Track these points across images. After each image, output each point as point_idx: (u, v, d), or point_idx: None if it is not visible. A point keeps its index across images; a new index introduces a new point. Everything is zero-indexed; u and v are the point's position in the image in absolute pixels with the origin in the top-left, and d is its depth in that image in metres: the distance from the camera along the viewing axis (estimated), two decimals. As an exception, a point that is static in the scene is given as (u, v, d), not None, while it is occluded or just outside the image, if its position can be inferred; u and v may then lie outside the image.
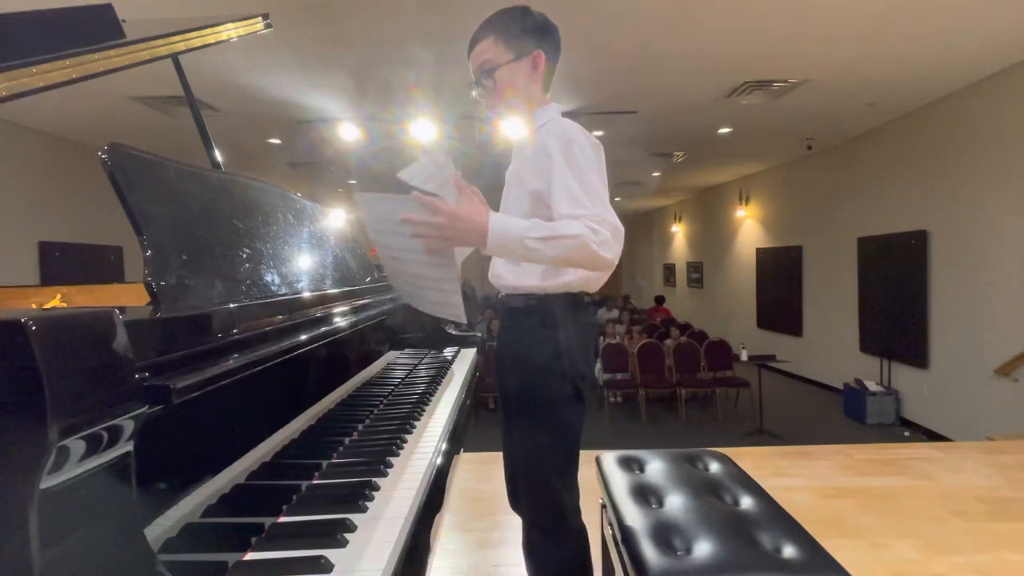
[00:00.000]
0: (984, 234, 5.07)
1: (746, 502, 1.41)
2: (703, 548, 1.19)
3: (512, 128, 1.41)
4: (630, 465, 1.67)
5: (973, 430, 5.05)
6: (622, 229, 1.17)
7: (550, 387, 1.27)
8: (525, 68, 1.31)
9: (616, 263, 1.18)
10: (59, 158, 5.99)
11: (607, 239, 1.13)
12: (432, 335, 2.24)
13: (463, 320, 1.40)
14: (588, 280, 1.32)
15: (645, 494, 1.48)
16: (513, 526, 1.83)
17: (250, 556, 0.70)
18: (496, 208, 1.31)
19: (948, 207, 5.49)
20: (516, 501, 1.43)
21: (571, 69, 4.66)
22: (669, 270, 14.60)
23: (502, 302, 1.41)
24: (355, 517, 0.79)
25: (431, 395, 1.47)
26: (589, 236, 1.11)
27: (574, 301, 1.30)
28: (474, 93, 1.36)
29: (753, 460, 3.41)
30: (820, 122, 6.35)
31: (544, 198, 1.23)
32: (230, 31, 1.76)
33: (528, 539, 1.38)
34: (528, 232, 1.13)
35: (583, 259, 1.14)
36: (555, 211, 1.18)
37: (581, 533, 1.35)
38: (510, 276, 1.37)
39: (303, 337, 0.95)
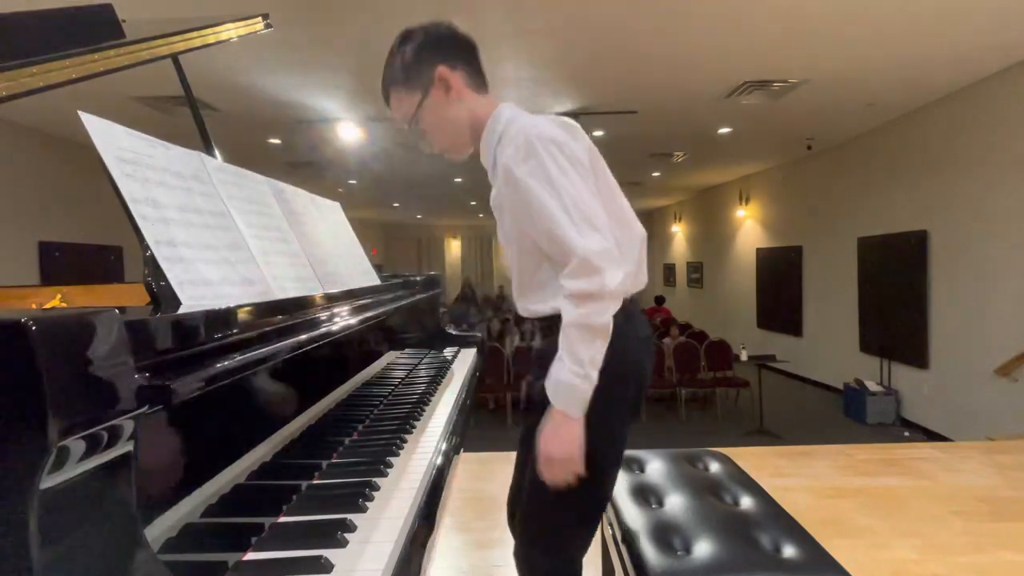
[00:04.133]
0: (984, 234, 5.07)
1: (746, 502, 1.41)
2: (703, 548, 1.19)
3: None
4: (630, 465, 1.67)
5: (973, 430, 5.05)
6: (611, 249, 1.01)
7: (595, 425, 1.06)
8: (439, 97, 1.14)
9: (617, 283, 1.00)
10: (59, 158, 5.99)
11: (601, 286, 0.98)
12: (432, 335, 2.24)
13: None
14: (631, 282, 1.15)
15: (645, 494, 1.48)
16: (513, 526, 1.82)
17: (250, 556, 0.70)
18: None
19: (948, 207, 5.49)
20: (514, 523, 1.33)
21: (571, 69, 4.67)
22: (669, 270, 14.60)
23: (540, 330, 1.23)
24: (355, 517, 0.79)
25: (431, 395, 1.47)
26: (581, 313, 0.99)
27: (620, 312, 1.05)
28: (418, 142, 1.23)
29: (753, 460, 3.41)
30: (820, 122, 6.35)
31: (535, 244, 1.08)
32: (230, 31, 1.76)
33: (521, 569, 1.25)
34: (563, 372, 1.01)
35: (600, 325, 1.00)
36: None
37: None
38: (539, 305, 1.17)
39: (303, 337, 0.95)
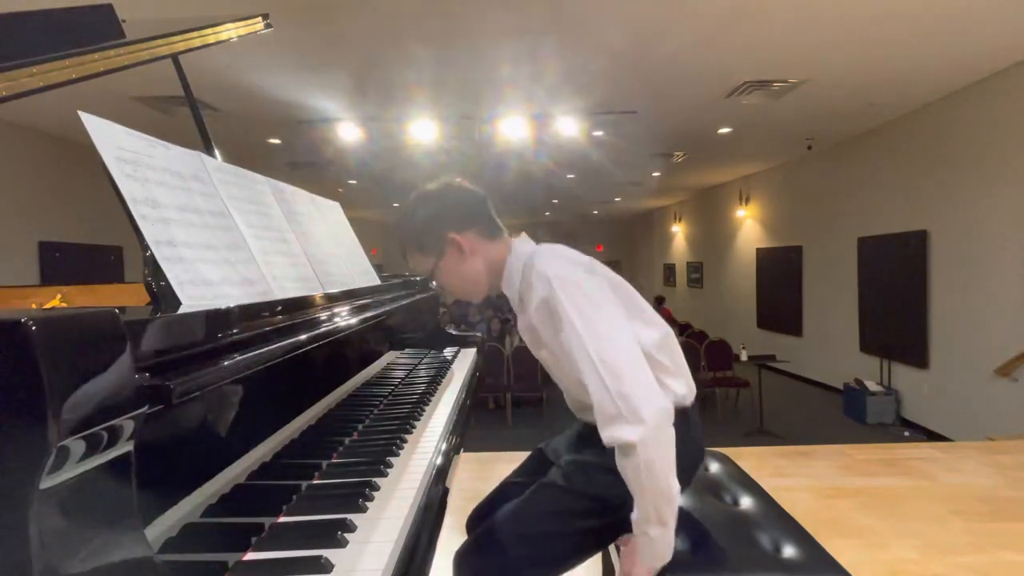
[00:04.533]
0: (984, 234, 5.07)
1: (746, 502, 1.40)
2: (702, 548, 1.19)
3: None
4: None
5: (973, 430, 5.05)
6: (662, 404, 0.97)
7: (617, 507, 1.06)
8: (453, 257, 1.17)
9: (656, 409, 0.96)
10: (59, 158, 5.99)
11: (640, 427, 0.94)
12: (432, 335, 2.24)
13: None
14: (689, 394, 1.16)
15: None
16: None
17: (250, 556, 0.70)
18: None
19: (948, 207, 5.49)
20: (476, 524, 1.31)
21: (571, 70, 4.66)
22: (669, 270, 14.60)
23: (587, 427, 1.20)
24: (355, 517, 0.79)
25: (431, 395, 1.47)
26: (634, 464, 0.94)
27: (678, 420, 1.02)
28: (441, 290, 1.30)
29: (753, 460, 3.41)
30: (820, 122, 6.35)
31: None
32: (230, 31, 1.76)
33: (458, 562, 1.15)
34: (644, 524, 0.99)
35: (662, 468, 0.95)
36: None
37: None
38: (588, 415, 1.12)
39: (303, 337, 0.95)
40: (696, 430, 1.19)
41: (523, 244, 1.20)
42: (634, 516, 1.01)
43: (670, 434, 0.97)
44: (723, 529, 1.25)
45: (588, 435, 1.19)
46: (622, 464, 0.97)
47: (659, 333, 1.15)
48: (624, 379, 0.97)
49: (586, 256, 1.15)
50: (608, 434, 0.97)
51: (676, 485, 0.98)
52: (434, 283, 1.30)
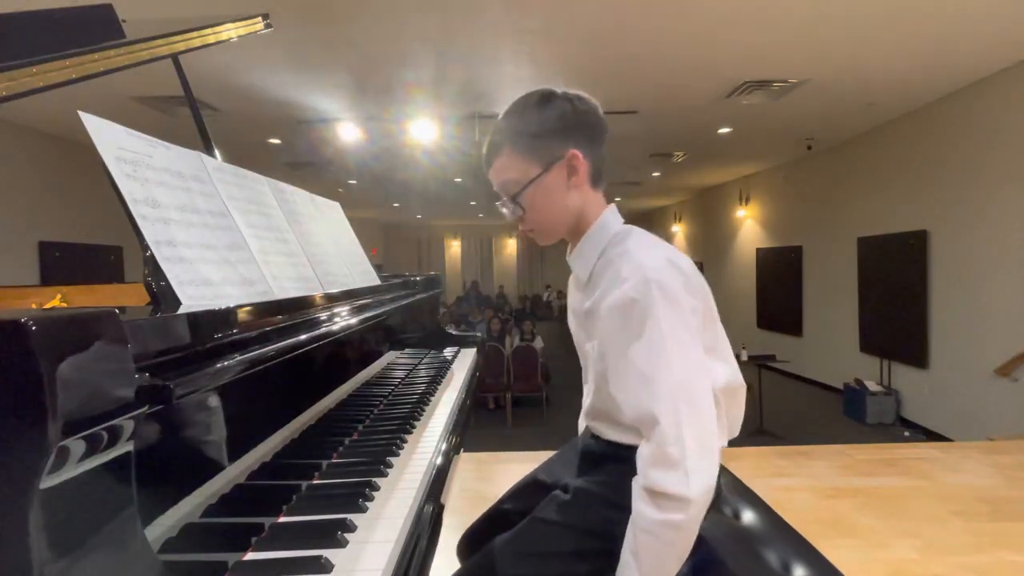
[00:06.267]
0: (984, 234, 5.07)
1: (739, 507, 1.40)
2: (696, 554, 1.18)
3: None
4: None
5: (973, 430, 5.05)
6: (710, 443, 0.86)
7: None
8: (558, 178, 0.99)
9: (706, 489, 0.84)
10: (59, 158, 5.99)
11: (686, 491, 0.81)
12: (432, 335, 2.24)
13: None
14: (730, 432, 1.04)
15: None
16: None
17: (250, 556, 0.70)
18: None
19: (948, 207, 5.49)
20: (465, 550, 1.23)
21: (571, 69, 4.66)
22: (669, 270, 14.58)
23: (596, 444, 1.10)
24: (355, 517, 0.79)
25: (431, 395, 1.47)
26: (660, 521, 0.83)
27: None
28: (504, 212, 1.05)
29: (753, 460, 3.41)
30: (820, 122, 6.35)
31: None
32: (230, 31, 1.76)
33: None
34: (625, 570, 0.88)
35: (682, 543, 0.85)
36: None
37: None
38: (615, 434, 1.04)
39: (303, 337, 0.95)
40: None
41: (614, 216, 1.02)
42: (623, 558, 0.89)
43: (706, 501, 0.85)
44: (719, 542, 1.23)
45: (593, 456, 1.09)
46: (645, 513, 0.85)
47: (728, 374, 1.01)
48: (697, 428, 0.84)
49: (684, 257, 0.95)
50: (656, 475, 0.83)
51: (677, 568, 0.87)
52: (505, 207, 1.03)
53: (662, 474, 0.83)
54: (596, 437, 1.10)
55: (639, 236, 0.99)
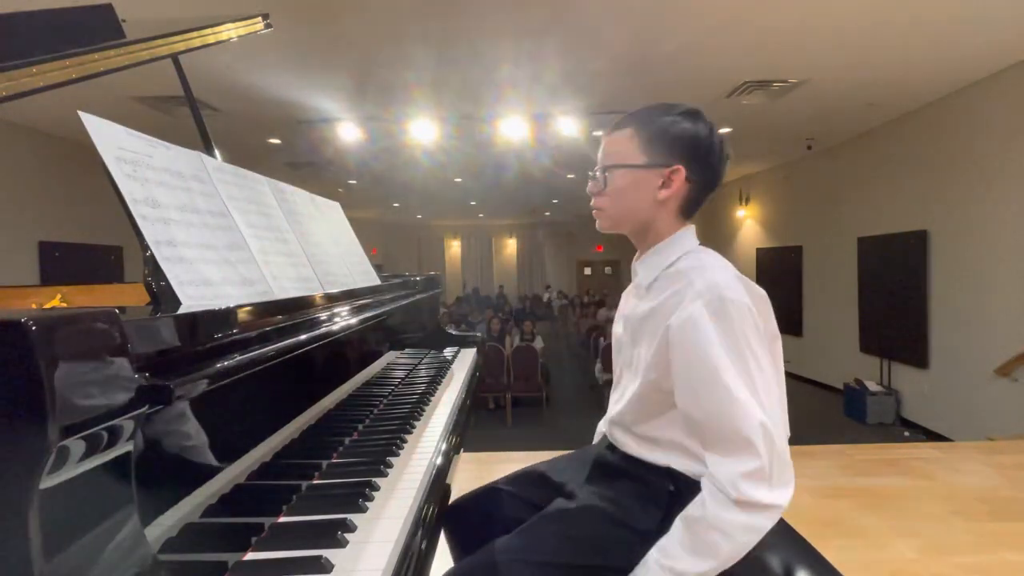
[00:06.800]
0: (984, 234, 5.07)
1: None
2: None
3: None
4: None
5: (973, 430, 5.05)
6: (786, 445, 0.92)
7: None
8: (652, 180, 1.00)
9: (789, 499, 0.91)
10: (59, 158, 5.99)
11: (775, 501, 0.88)
12: (432, 335, 2.24)
13: None
14: None
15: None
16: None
17: (250, 556, 0.70)
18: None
19: (948, 207, 5.49)
20: (452, 521, 1.20)
21: (571, 69, 4.66)
22: (669, 270, 14.59)
23: (612, 456, 1.10)
24: (355, 517, 0.79)
25: (431, 395, 1.47)
26: (738, 522, 0.86)
27: None
28: (590, 182, 1.09)
29: (753, 460, 3.40)
30: (820, 122, 6.35)
31: (661, 398, 0.97)
32: (230, 31, 1.76)
33: None
34: (671, 559, 0.89)
35: (746, 545, 0.89)
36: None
37: None
38: (637, 447, 1.04)
39: (303, 337, 0.95)
40: None
41: (691, 234, 1.05)
42: (664, 545, 0.91)
43: (773, 492, 0.90)
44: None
45: (606, 468, 1.08)
46: (734, 519, 0.87)
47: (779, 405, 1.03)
48: (780, 442, 0.91)
49: (758, 287, 0.98)
50: (749, 488, 0.87)
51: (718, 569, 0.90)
52: (593, 177, 1.07)
53: (754, 486, 0.88)
54: (613, 448, 1.10)
55: (714, 255, 1.01)
